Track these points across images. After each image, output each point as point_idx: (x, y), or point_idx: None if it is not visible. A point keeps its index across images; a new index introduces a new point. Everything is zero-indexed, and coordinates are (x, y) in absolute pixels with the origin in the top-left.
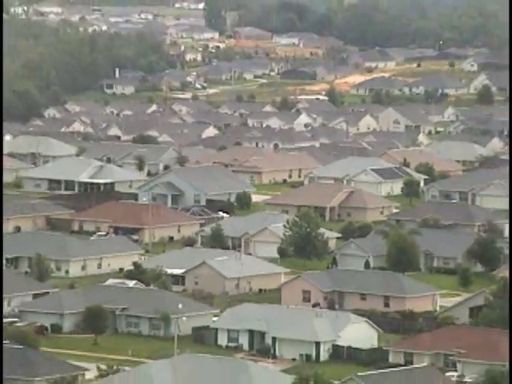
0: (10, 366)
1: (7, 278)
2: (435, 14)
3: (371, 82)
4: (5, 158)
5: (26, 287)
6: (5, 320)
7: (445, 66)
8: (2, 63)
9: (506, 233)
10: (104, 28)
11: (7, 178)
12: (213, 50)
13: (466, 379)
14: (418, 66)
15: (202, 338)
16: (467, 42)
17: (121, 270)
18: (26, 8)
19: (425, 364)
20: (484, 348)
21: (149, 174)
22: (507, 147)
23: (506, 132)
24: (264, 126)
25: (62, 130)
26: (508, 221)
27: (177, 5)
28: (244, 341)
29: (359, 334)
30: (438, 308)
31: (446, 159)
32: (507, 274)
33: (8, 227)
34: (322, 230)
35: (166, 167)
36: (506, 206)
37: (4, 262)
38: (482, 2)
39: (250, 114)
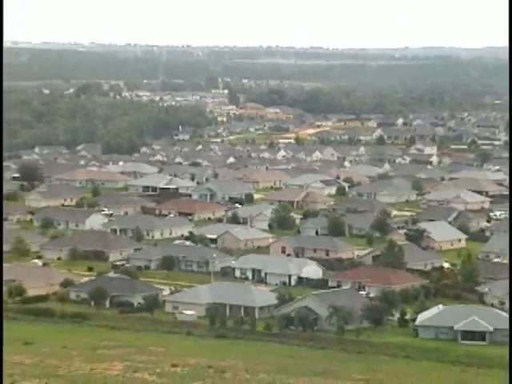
0: (122, 289)
1: (121, 240)
2: (354, 95)
3: (319, 133)
4: (118, 175)
5: (130, 245)
6: (118, 263)
7: (359, 124)
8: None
9: (392, 215)
10: (173, 103)
11: (120, 185)
12: (232, 115)
13: (370, 295)
14: (345, 124)
15: (226, 273)
16: (371, 111)
17: (182, 235)
18: (130, 93)
19: (348, 287)
20: (380, 278)
21: (197, 183)
22: (392, 168)
23: (393, 160)
24: (260, 156)
25: (150, 159)
26: (395, 210)
27: (213, 91)
28: (249, 274)
29: (312, 270)
30: (355, 256)
31: (359, 175)
32: (393, 237)
33: (120, 212)
34: (292, 213)
35: (207, 179)
36: (393, 200)
37: (118, 231)
38: (381, 89)
39: (252, 150)
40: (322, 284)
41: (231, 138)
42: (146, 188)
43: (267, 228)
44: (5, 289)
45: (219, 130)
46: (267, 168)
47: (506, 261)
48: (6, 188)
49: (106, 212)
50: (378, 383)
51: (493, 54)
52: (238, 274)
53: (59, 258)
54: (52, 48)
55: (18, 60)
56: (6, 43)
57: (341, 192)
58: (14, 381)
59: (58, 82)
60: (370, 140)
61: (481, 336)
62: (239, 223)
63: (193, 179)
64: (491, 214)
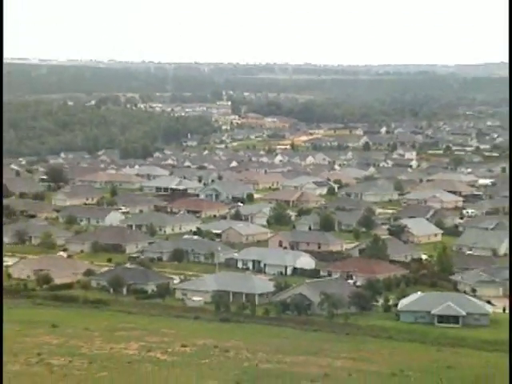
0: (137, 278)
1: (136, 235)
2: (343, 107)
3: (312, 140)
4: (134, 177)
5: (144, 239)
6: (134, 255)
7: (347, 132)
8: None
9: (377, 212)
10: (182, 113)
11: (135, 186)
12: (235, 124)
13: (357, 284)
14: (335, 132)
15: (230, 264)
16: (358, 120)
17: (190, 230)
18: (144, 105)
19: (337, 276)
20: (366, 268)
21: (204, 184)
22: (376, 171)
23: (377, 164)
24: (259, 161)
25: (162, 163)
26: (379, 208)
27: (218, 102)
28: (250, 265)
29: (306, 262)
30: (344, 249)
31: (348, 177)
32: (377, 232)
33: (136, 210)
34: (288, 211)
35: (213, 181)
36: (377, 200)
37: (134, 227)
38: (366, 101)
39: (253, 155)
40: (314, 273)
41: (234, 144)
42: (158, 189)
43: (266, 224)
44: (34, 278)
45: (223, 137)
46: (266, 171)
47: (477, 253)
48: (35, 189)
49: (123, 210)
50: (363, 361)
51: (464, 70)
52: (240, 264)
53: (82, 251)
54: (75, 64)
55: (45, 75)
56: (35, 60)
57: (331, 192)
58: (42, 359)
59: (81, 95)
60: (357, 146)
61: (455, 319)
62: (241, 220)
63: (200, 181)
64: (464, 211)
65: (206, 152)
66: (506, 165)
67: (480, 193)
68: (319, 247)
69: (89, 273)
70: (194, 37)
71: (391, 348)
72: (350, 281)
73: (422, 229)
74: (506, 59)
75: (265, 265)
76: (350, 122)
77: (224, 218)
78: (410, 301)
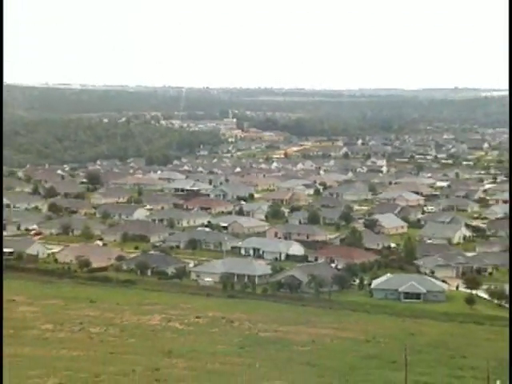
0: (159, 262)
1: (159, 227)
2: (327, 123)
3: (301, 150)
4: (157, 180)
5: (165, 230)
6: (157, 244)
7: (330, 144)
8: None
9: (354, 209)
10: (196, 129)
11: (158, 187)
12: (239, 137)
13: (338, 267)
14: (320, 143)
15: (234, 251)
16: (339, 134)
17: (202, 224)
18: (165, 121)
19: (322, 261)
20: (345, 254)
21: (214, 186)
22: (354, 175)
23: (355, 169)
24: (259, 167)
25: (179, 169)
26: (356, 205)
27: (225, 120)
28: (251, 252)
29: (296, 249)
30: (327, 239)
31: (331, 180)
32: (355, 225)
33: (158, 207)
34: (282, 208)
35: (221, 183)
36: (355, 199)
37: (156, 220)
38: (346, 118)
39: (253, 162)
40: (303, 259)
41: (238, 153)
42: (176, 190)
43: (264, 218)
44: (76, 262)
45: (229, 148)
46: (264, 175)
47: (436, 242)
48: (76, 190)
49: (148, 207)
50: (344, 330)
51: (426, 93)
52: (243, 251)
53: (115, 240)
54: (109, 89)
55: (85, 98)
56: (76, 85)
57: (317, 193)
58: (83, 327)
59: (113, 114)
60: (338, 155)
61: (417, 296)
62: (244, 215)
63: (210, 183)
64: (425, 208)
65: (215, 160)
66: (459, 170)
67: (438, 193)
68: (307, 237)
69: (120, 258)
70: (206, 65)
71: (366, 319)
72: (333, 265)
73: (391, 222)
74: (459, 85)
75: (263, 252)
76: (332, 135)
77: (230, 213)
78: (381, 281)
